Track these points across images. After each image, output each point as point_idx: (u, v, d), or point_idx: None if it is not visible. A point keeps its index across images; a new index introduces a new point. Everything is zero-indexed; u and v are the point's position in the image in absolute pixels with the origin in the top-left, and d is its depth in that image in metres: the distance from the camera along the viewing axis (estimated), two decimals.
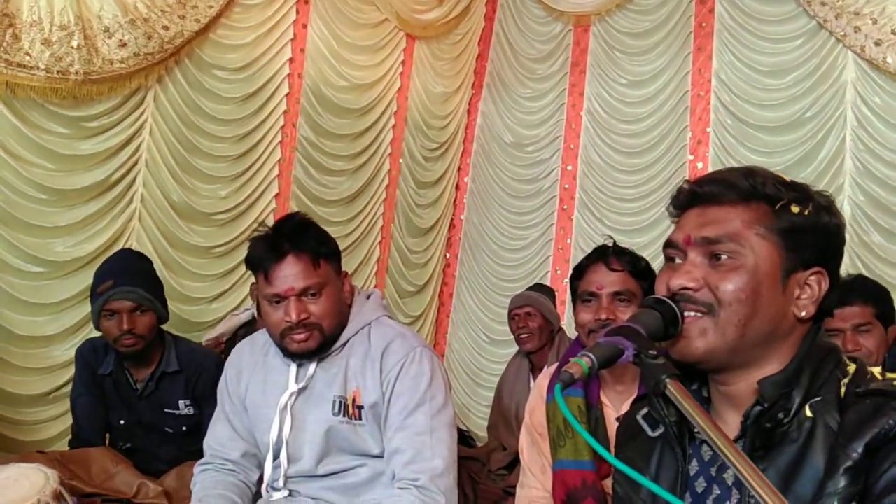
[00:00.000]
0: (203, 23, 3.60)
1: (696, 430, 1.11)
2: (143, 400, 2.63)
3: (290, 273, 1.73)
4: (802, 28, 3.99)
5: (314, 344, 1.77)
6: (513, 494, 2.97)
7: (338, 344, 1.86)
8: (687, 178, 3.79)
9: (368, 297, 1.99)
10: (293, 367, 1.85)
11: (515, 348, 4.03)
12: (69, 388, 3.25)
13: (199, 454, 2.57)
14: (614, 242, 1.97)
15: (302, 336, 1.75)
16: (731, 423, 1.07)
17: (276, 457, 1.88)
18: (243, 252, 3.73)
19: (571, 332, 3.77)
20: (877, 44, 3.65)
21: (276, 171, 4.07)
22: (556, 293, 3.73)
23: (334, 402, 1.83)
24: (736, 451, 0.90)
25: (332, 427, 1.83)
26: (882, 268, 3.57)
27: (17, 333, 3.16)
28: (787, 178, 1.12)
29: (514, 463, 3.31)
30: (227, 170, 3.86)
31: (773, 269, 1.02)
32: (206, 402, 2.66)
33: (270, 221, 3.94)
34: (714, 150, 4.23)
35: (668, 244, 1.12)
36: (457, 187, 5.20)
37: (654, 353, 1.01)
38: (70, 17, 3.12)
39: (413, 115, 4.81)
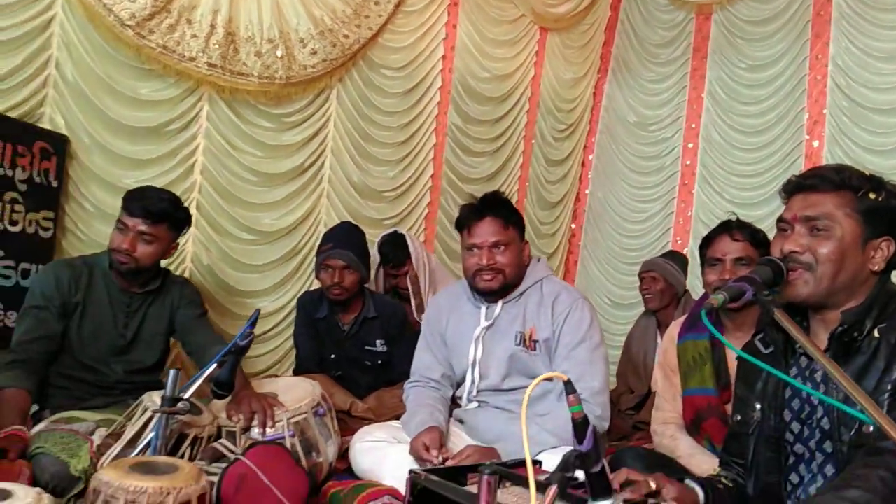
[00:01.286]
0: (374, 30, 4.24)
1: (797, 346, 1.65)
2: (348, 339, 3.34)
3: (487, 230, 2.40)
4: None
5: (497, 285, 2.43)
6: (641, 429, 3.53)
7: (517, 292, 2.50)
8: (803, 155, 4.21)
9: (539, 260, 2.62)
10: (483, 308, 2.50)
11: (635, 311, 4.53)
12: (275, 331, 4.05)
13: (390, 383, 3.31)
14: (737, 217, 2.49)
15: (489, 277, 2.41)
16: (821, 340, 1.60)
17: (471, 374, 2.53)
18: (409, 222, 4.49)
19: (696, 294, 4.23)
20: None
21: (431, 155, 4.69)
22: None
23: (516, 335, 2.47)
24: (823, 355, 1.43)
25: (513, 354, 2.46)
26: None
27: (235, 288, 3.92)
28: (868, 172, 1.64)
29: (640, 404, 3.84)
30: (393, 154, 4.50)
31: (855, 238, 1.55)
32: (395, 342, 3.37)
33: (428, 199, 4.64)
34: (830, 131, 4.50)
35: (780, 220, 1.67)
36: (582, 164, 5.68)
37: (767, 293, 1.56)
38: (276, 32, 3.82)
39: (544, 99, 5.31)
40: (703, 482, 1.71)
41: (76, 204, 3.41)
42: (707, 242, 2.53)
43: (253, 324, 2.13)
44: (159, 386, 2.78)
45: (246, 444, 2.12)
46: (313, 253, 4.17)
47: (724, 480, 1.74)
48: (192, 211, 3.75)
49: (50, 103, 3.34)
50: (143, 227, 2.55)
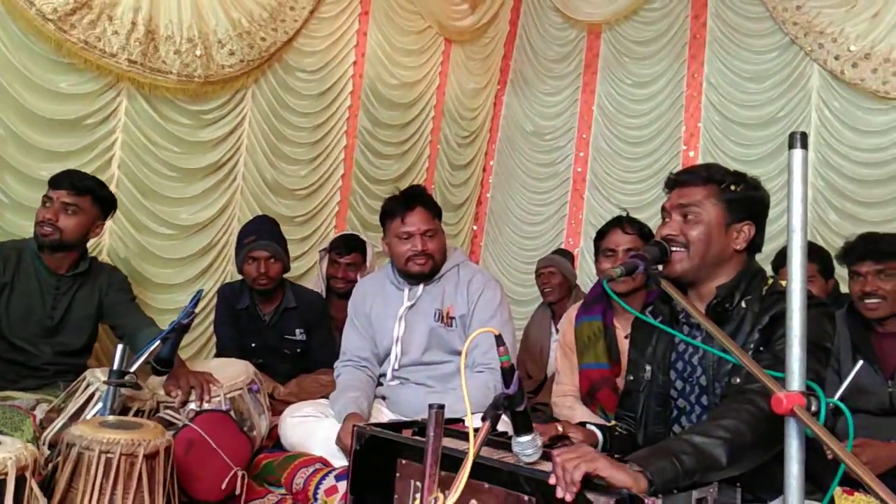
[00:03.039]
0: (290, 34, 4.41)
1: (680, 317, 1.98)
2: (269, 328, 3.49)
3: (419, 218, 2.64)
4: (778, 42, 4.75)
5: (428, 269, 2.69)
6: (539, 410, 3.85)
7: (437, 275, 2.75)
8: (681, 164, 4.71)
9: (455, 249, 2.89)
10: (406, 290, 2.75)
11: (532, 308, 4.88)
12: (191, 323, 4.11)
13: (307, 370, 3.47)
14: (627, 213, 2.86)
15: (422, 261, 2.66)
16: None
17: (395, 350, 2.76)
18: (319, 220, 4.66)
19: (585, 288, 4.63)
20: (836, 58, 4.44)
21: (342, 156, 4.88)
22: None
23: (434, 312, 2.72)
24: (704, 315, 1.74)
25: (432, 329, 2.72)
26: (837, 241, 4.37)
27: (153, 281, 3.98)
28: (731, 169, 2.00)
29: (538, 388, 4.17)
30: (305, 154, 4.66)
31: (720, 222, 1.89)
32: (313, 331, 3.55)
33: (338, 198, 4.81)
34: (703, 142, 5.02)
35: (662, 209, 2.00)
36: (484, 169, 6.01)
37: (655, 267, 1.88)
38: (195, 31, 3.92)
39: (448, 107, 5.59)
40: (601, 427, 2.01)
41: None
42: (601, 235, 2.89)
43: (196, 303, 2.28)
44: (85, 369, 2.87)
45: (189, 415, 2.26)
46: (228, 247, 4.30)
47: (619, 429, 2.05)
48: None
49: None
50: (66, 199, 2.67)
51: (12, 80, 3.43)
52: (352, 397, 2.63)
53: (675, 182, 2.00)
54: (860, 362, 1.80)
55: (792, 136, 1.45)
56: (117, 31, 3.59)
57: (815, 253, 3.42)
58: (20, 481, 1.39)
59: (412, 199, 2.72)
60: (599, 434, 1.93)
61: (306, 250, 4.67)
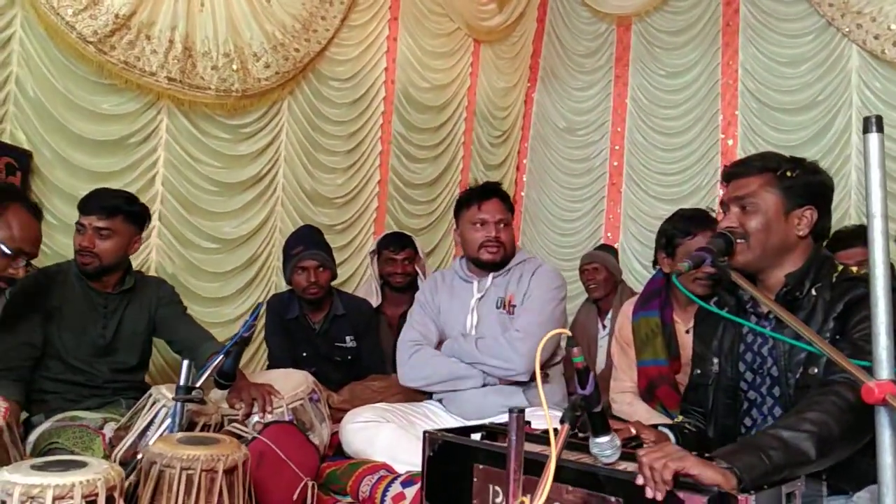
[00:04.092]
0: (323, 44, 4.43)
1: (748, 307, 1.95)
2: (319, 337, 3.51)
3: (494, 207, 2.71)
4: (814, 25, 4.67)
5: (499, 257, 2.75)
6: None
7: (505, 268, 2.80)
8: (719, 153, 4.66)
9: (522, 248, 2.94)
10: (475, 283, 2.79)
11: (574, 304, 4.86)
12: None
13: (358, 377, 3.48)
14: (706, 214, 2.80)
15: (494, 249, 2.71)
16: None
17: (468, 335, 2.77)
18: (357, 228, 4.70)
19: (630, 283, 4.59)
20: (876, 37, 4.36)
21: (377, 162, 4.90)
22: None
23: (497, 300, 2.77)
24: (775, 302, 1.71)
25: (497, 317, 2.74)
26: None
27: (200, 295, 4.03)
28: (788, 155, 1.97)
29: None
30: (341, 162, 4.68)
31: (778, 210, 1.85)
32: (363, 337, 3.56)
33: (375, 204, 4.84)
34: (742, 130, 4.95)
35: (721, 203, 1.97)
36: (518, 168, 6.00)
37: (723, 259, 1.85)
38: (231, 46, 3.96)
39: (480, 108, 5.59)
40: (672, 428, 1.99)
41: None
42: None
43: (256, 316, 2.30)
44: (145, 385, 2.90)
45: (255, 427, 2.28)
46: (272, 259, 4.33)
47: (687, 426, 2.02)
48: (155, 221, 3.85)
49: (11, 119, 3.39)
50: (98, 224, 2.67)
51: (56, 104, 3.49)
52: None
53: (730, 174, 1.97)
54: None
55: (867, 120, 1.41)
56: (156, 49, 3.63)
57: (866, 236, 3.34)
58: (109, 501, 1.41)
59: (489, 190, 2.84)
60: (671, 435, 1.90)
61: (347, 257, 4.69)
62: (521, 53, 5.85)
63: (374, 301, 3.98)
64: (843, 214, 4.32)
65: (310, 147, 4.50)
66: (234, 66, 3.98)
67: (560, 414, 1.54)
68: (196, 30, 3.83)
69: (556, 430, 1.46)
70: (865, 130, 1.42)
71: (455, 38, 5.33)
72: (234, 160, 4.16)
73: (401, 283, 3.92)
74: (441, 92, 5.28)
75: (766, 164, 1.91)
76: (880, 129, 1.40)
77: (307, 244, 3.39)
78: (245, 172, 4.20)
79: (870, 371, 1.35)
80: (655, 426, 1.99)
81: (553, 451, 1.40)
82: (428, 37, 5.16)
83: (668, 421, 2.46)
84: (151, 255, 3.85)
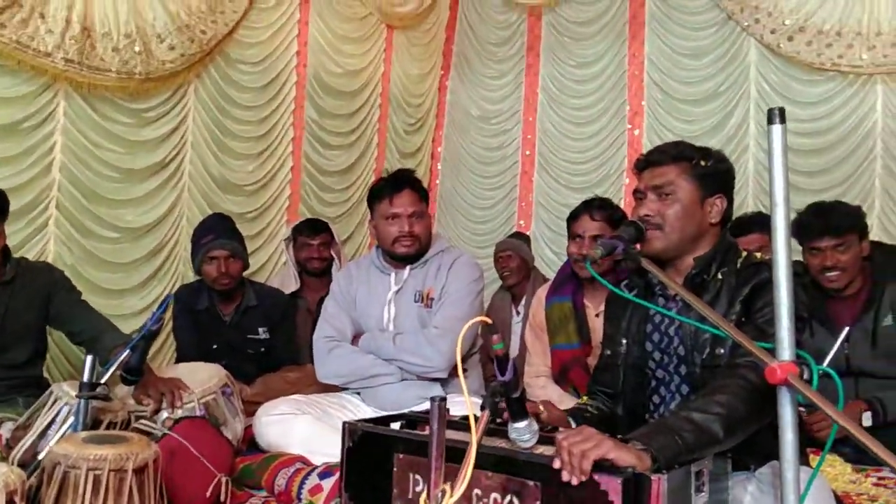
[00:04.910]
0: (230, 25, 4.29)
1: (656, 289, 2.01)
2: (230, 328, 3.42)
3: (407, 200, 2.65)
4: (715, 18, 4.86)
5: (414, 251, 2.71)
6: None
7: (423, 259, 2.77)
8: (626, 143, 4.81)
9: (439, 234, 2.92)
10: (392, 275, 2.75)
11: (487, 291, 4.92)
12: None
13: (271, 369, 3.42)
14: (599, 197, 2.89)
15: (408, 243, 2.67)
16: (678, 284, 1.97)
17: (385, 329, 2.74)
18: (270, 216, 4.59)
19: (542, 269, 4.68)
20: (772, 32, 4.58)
21: (290, 148, 4.80)
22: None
23: (415, 294, 2.74)
24: (682, 287, 1.77)
25: (416, 311, 2.73)
26: None
27: (102, 287, 3.84)
28: (697, 145, 2.04)
29: None
30: (252, 148, 4.56)
31: (694, 198, 1.92)
32: (277, 329, 3.49)
33: (287, 191, 4.74)
34: (648, 120, 5.11)
35: (636, 191, 2.02)
36: (432, 156, 6.00)
37: (634, 247, 1.90)
38: (133, 27, 3.77)
39: (394, 94, 5.54)
40: (572, 413, 2.03)
41: None
42: (572, 218, 2.91)
43: (165, 308, 2.21)
44: (43, 381, 2.76)
45: (165, 423, 2.19)
46: (178, 249, 4.19)
47: (589, 409, 2.06)
48: (52, 210, 3.66)
49: None
50: None
51: None
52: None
53: (646, 163, 2.02)
54: (845, 330, 1.87)
55: (770, 111, 1.47)
56: (51, 29, 3.43)
57: (764, 223, 3.51)
58: None
59: (401, 182, 2.74)
60: (573, 423, 1.94)
61: (260, 245, 4.58)
62: (435, 41, 5.84)
63: (293, 286, 3.95)
64: (742, 202, 4.53)
65: (218, 132, 4.36)
66: (137, 48, 3.81)
67: (479, 401, 1.55)
68: (95, 9, 3.63)
69: (476, 417, 1.47)
70: (769, 122, 1.48)
71: (368, 22, 5.26)
72: (137, 146, 3.98)
73: (318, 268, 3.88)
74: (354, 78, 5.21)
75: (681, 153, 1.97)
76: (783, 121, 1.46)
77: (217, 233, 3.29)
78: (149, 158, 4.04)
79: (772, 353, 1.42)
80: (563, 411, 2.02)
81: (474, 437, 1.41)
82: (340, 21, 5.07)
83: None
84: (49, 246, 3.65)
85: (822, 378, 1.49)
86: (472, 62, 5.91)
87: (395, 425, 1.90)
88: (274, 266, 4.64)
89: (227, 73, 4.39)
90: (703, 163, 1.96)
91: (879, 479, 2.45)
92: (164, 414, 2.33)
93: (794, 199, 3.80)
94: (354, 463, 1.78)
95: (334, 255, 4.03)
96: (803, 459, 1.82)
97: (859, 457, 2.52)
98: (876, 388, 2.69)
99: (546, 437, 1.63)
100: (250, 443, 2.71)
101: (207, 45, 4.16)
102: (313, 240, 3.96)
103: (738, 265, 1.92)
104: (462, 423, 1.72)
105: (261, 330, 3.43)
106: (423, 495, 1.40)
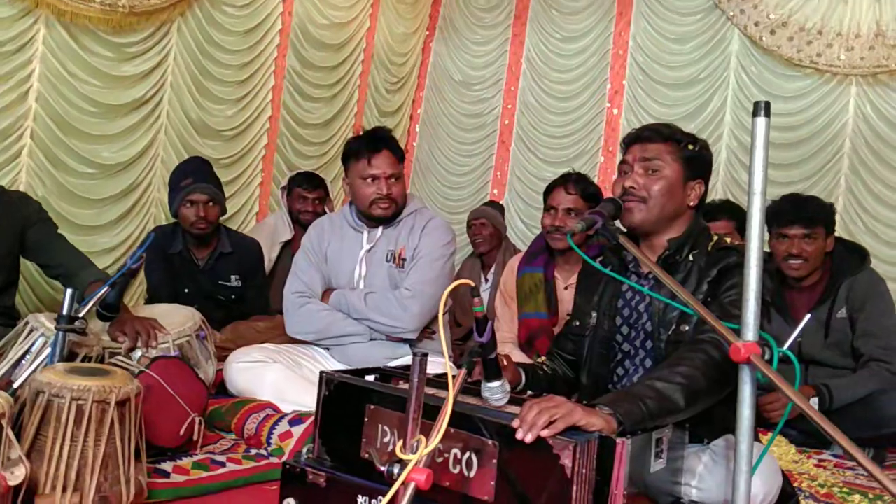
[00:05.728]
0: None
1: (630, 266, 2.09)
2: (203, 274, 3.42)
3: (385, 161, 2.64)
4: (702, 5, 4.93)
5: (391, 212, 2.70)
6: None
7: (397, 219, 2.78)
8: (604, 121, 4.85)
9: (413, 196, 2.92)
10: (365, 233, 2.76)
11: (458, 256, 4.99)
12: (115, 267, 3.98)
13: (242, 317, 3.44)
14: (574, 171, 2.95)
15: (386, 205, 2.67)
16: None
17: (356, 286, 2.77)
18: (245, 163, 4.56)
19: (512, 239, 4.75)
20: (756, 24, 4.67)
21: (270, 97, 4.76)
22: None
23: (388, 254, 2.76)
24: (656, 265, 1.85)
25: (387, 270, 2.75)
26: (745, 199, 4.68)
27: (73, 222, 3.80)
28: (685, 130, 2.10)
29: (466, 336, 4.29)
30: (232, 93, 4.52)
31: (679, 178, 1.99)
32: (249, 278, 3.50)
33: (265, 140, 4.71)
34: (627, 100, 5.18)
35: (622, 163, 2.08)
36: (411, 118, 6.00)
37: (613, 223, 1.97)
38: None
39: (378, 52, 5.52)
40: (525, 368, 2.10)
41: None
42: (548, 190, 2.97)
43: (146, 248, 2.21)
44: (12, 310, 2.74)
45: (141, 361, 2.22)
46: (152, 189, 4.16)
47: (545, 367, 2.14)
48: (26, 140, 3.60)
49: None
50: None
51: None
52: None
53: (636, 137, 2.07)
54: (807, 317, 1.97)
55: (756, 104, 1.53)
56: None
57: (731, 210, 3.63)
58: None
59: (380, 142, 2.70)
60: (523, 375, 2.01)
61: (233, 192, 4.56)
62: (422, 1, 5.79)
63: (287, 235, 4.05)
64: (712, 188, 4.63)
65: (199, 74, 4.31)
66: None
67: (448, 359, 1.60)
68: None
69: (453, 376, 1.53)
70: (755, 114, 1.54)
71: None
72: (116, 81, 3.92)
73: (309, 221, 3.87)
74: (339, 31, 5.16)
75: (672, 134, 2.04)
76: (767, 115, 1.53)
77: (197, 177, 3.27)
78: (128, 95, 3.98)
79: (737, 333, 1.50)
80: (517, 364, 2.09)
81: (450, 392, 1.47)
82: None
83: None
84: (21, 176, 3.60)
85: (779, 362, 1.58)
86: (459, 26, 5.90)
87: (371, 378, 1.96)
88: (247, 215, 4.63)
89: (212, 14, 4.32)
90: (690, 146, 2.03)
91: (820, 461, 2.60)
92: (139, 353, 2.34)
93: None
94: (328, 411, 1.84)
95: (327, 210, 4.07)
96: (754, 437, 1.93)
97: (804, 440, 2.67)
98: (825, 376, 2.83)
99: (517, 398, 1.70)
100: (219, 387, 2.75)
101: None
102: (310, 193, 4.06)
103: (710, 248, 2.00)
104: (435, 381, 1.79)
105: (233, 277, 3.44)
106: (398, 445, 1.46)
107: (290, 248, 3.94)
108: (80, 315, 2.05)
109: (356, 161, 2.70)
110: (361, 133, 2.82)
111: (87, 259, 2.69)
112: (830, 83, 4.51)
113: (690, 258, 1.99)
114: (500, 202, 5.20)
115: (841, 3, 4.37)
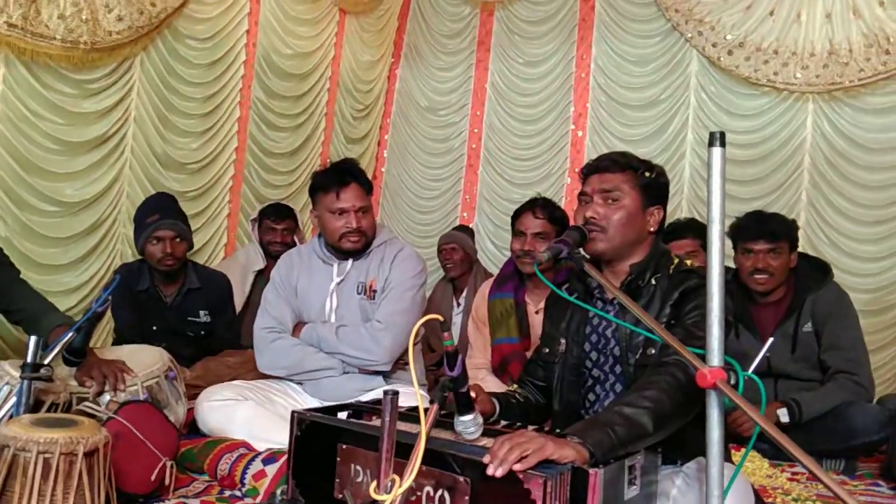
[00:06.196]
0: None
1: (595, 292, 2.11)
2: (171, 310, 3.38)
3: (353, 195, 2.63)
4: (661, 28, 5.04)
5: (361, 246, 2.69)
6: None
7: (366, 251, 2.77)
8: (569, 143, 4.93)
9: (383, 225, 2.92)
10: (335, 265, 2.74)
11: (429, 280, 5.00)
12: (80, 307, 3.93)
13: (212, 352, 3.41)
14: (541, 196, 2.98)
15: (356, 238, 2.66)
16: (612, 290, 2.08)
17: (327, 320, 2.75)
18: (212, 195, 4.53)
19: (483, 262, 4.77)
20: (714, 45, 4.77)
21: (235, 128, 4.74)
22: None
23: (358, 285, 2.74)
24: (620, 291, 1.88)
25: (358, 302, 2.74)
26: None
27: (37, 262, 3.74)
28: (637, 149, 2.15)
29: (440, 362, 4.28)
30: (197, 126, 4.49)
31: (638, 205, 2.03)
32: (218, 313, 3.47)
33: (231, 171, 4.70)
34: (591, 122, 5.25)
35: (582, 193, 2.11)
36: (379, 143, 6.02)
37: (578, 251, 2.00)
38: None
39: (344, 79, 5.54)
40: (498, 397, 2.11)
41: None
42: (516, 215, 3.00)
43: (111, 290, 2.19)
44: None
45: (109, 406, 2.19)
46: (117, 225, 4.12)
47: (517, 396, 2.15)
48: None
49: None
50: None
51: None
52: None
53: (594, 168, 2.11)
54: (770, 340, 2.00)
55: (712, 135, 1.57)
56: None
57: (697, 229, 3.68)
58: None
59: (347, 174, 2.68)
60: (497, 405, 2.02)
61: (200, 226, 4.53)
62: (387, 28, 5.84)
63: (260, 264, 4.09)
64: (677, 207, 4.72)
65: (163, 108, 4.29)
66: (84, 17, 3.71)
67: (422, 392, 1.60)
68: None
69: (425, 409, 1.53)
70: (710, 144, 1.58)
71: (320, 5, 5.23)
72: (78, 117, 3.88)
73: (279, 252, 3.85)
74: (304, 60, 5.18)
75: (629, 163, 2.07)
76: (723, 144, 1.57)
77: (163, 213, 3.24)
78: (91, 131, 3.94)
79: (703, 358, 1.53)
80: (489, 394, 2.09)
81: (423, 429, 1.47)
82: (293, 1, 5.02)
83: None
84: None
85: (745, 381, 1.61)
86: (423, 52, 5.95)
87: (343, 415, 1.95)
88: (214, 247, 4.60)
89: (175, 47, 4.30)
90: (647, 174, 2.07)
91: (793, 474, 2.64)
92: (107, 397, 2.31)
93: (727, 205, 4.04)
94: (301, 451, 1.83)
95: (297, 240, 4.09)
96: (726, 455, 1.95)
97: (776, 453, 2.71)
98: (795, 389, 2.88)
99: (490, 429, 1.70)
100: (190, 427, 2.71)
101: (156, 17, 4.08)
102: (278, 224, 4.11)
103: (671, 271, 2.04)
104: (408, 415, 1.78)
105: (202, 313, 3.40)
106: (371, 485, 1.45)
107: (263, 276, 3.93)
108: (46, 362, 2.02)
109: (324, 194, 2.68)
110: (329, 165, 2.80)
111: (50, 303, 2.64)
112: (788, 101, 4.62)
113: (653, 282, 2.02)
114: (470, 226, 5.23)
115: (795, 23, 4.49)
